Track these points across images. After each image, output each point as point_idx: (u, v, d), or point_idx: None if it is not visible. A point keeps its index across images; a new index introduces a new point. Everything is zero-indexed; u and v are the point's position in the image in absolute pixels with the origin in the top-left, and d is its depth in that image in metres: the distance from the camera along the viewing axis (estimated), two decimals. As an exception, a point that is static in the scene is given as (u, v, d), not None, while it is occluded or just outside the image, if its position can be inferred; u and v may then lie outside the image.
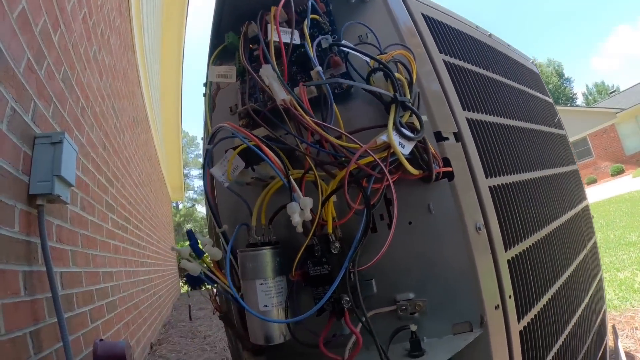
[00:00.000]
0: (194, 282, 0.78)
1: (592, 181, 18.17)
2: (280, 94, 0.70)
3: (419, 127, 0.72)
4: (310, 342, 0.72)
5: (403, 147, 0.67)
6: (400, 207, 0.72)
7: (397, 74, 0.75)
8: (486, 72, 1.16)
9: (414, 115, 0.73)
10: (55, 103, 1.51)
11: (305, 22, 0.83)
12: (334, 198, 0.70)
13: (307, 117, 0.68)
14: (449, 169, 0.75)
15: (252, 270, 0.72)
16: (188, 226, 30.56)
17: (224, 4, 0.96)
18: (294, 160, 0.76)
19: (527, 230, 0.98)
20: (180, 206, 31.67)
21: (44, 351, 1.18)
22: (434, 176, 0.72)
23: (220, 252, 0.75)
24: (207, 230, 1.14)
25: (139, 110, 4.50)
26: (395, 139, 0.66)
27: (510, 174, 0.99)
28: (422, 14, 1.00)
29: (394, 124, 0.68)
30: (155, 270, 4.63)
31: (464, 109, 0.91)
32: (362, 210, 0.68)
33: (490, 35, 1.41)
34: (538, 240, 1.03)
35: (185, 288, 10.89)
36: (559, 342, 1.06)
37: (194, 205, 33.84)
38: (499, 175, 0.93)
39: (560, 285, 1.12)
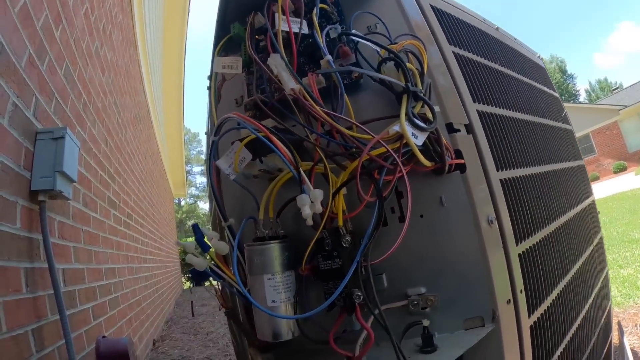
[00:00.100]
0: (199, 277, 0.77)
1: (595, 178, 18.12)
2: (290, 83, 0.68)
3: (431, 118, 0.70)
4: (319, 339, 0.71)
5: (416, 138, 0.65)
6: (408, 201, 0.71)
7: (408, 64, 0.73)
8: (494, 65, 1.15)
9: (425, 106, 0.71)
10: (57, 98, 1.50)
11: (315, 11, 0.81)
12: (344, 191, 0.69)
13: (317, 107, 0.67)
14: (461, 160, 0.74)
15: (259, 264, 0.70)
16: (190, 222, 30.62)
17: (229, -5, 0.94)
18: (301, 153, 0.74)
19: (537, 224, 0.97)
20: (183, 203, 31.75)
21: (46, 349, 1.17)
22: (446, 168, 0.70)
23: (227, 246, 0.73)
24: (209, 226, 1.13)
25: (141, 107, 4.49)
26: (408, 130, 0.65)
27: (521, 168, 0.98)
28: (431, 6, 0.98)
29: (406, 114, 0.66)
30: (158, 266, 4.63)
31: (474, 101, 0.89)
32: (373, 203, 0.67)
33: (497, 29, 1.40)
34: (547, 234, 1.02)
35: (188, 284, 10.91)
36: (567, 338, 1.05)
37: (196, 202, 33.93)
38: (510, 169, 0.91)
39: (569, 280, 1.11)
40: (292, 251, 0.73)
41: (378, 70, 0.77)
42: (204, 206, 33.74)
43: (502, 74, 1.17)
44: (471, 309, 0.72)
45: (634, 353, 1.98)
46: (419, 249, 0.73)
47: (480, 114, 0.89)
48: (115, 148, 2.67)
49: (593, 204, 1.65)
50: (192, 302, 5.17)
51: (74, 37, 1.81)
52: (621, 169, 18.47)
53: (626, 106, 18.82)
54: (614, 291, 2.96)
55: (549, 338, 0.93)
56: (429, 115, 0.71)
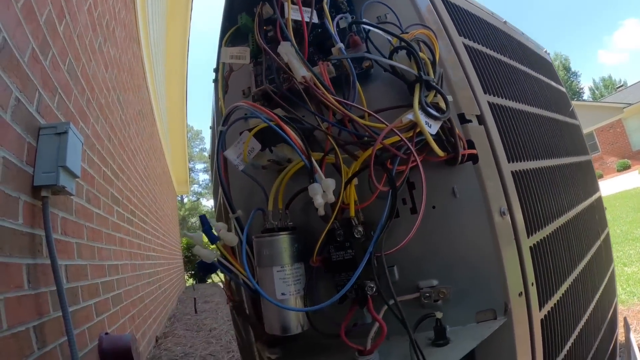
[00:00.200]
0: (206, 270, 0.76)
1: (598, 176, 18.00)
2: (301, 71, 0.67)
3: (444, 107, 0.69)
4: (329, 332, 0.70)
5: (430, 127, 0.64)
6: (423, 191, 0.70)
7: (420, 54, 0.72)
8: (503, 58, 1.14)
9: (438, 96, 0.70)
10: (60, 94, 1.49)
11: (325, 0, 0.80)
12: (355, 181, 0.68)
13: (329, 95, 0.66)
14: (474, 151, 0.73)
15: (268, 256, 0.69)
16: (193, 220, 30.71)
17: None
18: (311, 144, 0.73)
19: (547, 217, 0.96)
20: (185, 200, 31.80)
21: (48, 346, 1.16)
22: (459, 158, 0.69)
23: (236, 238, 0.72)
24: (213, 220, 1.12)
25: (144, 103, 4.48)
26: (422, 118, 0.64)
27: (531, 160, 0.96)
28: (440, -3, 0.97)
29: (420, 102, 0.65)
30: (161, 263, 4.63)
31: (485, 93, 0.88)
32: (385, 194, 0.66)
33: (505, 22, 1.38)
34: (557, 228, 1.01)
35: (191, 281, 10.91)
36: (576, 333, 1.04)
37: (198, 199, 33.99)
38: (520, 161, 0.90)
39: (577, 274, 1.10)
40: (302, 243, 0.72)
41: (390, 59, 0.76)
42: (207, 203, 33.86)
43: (511, 66, 1.16)
44: (483, 302, 0.71)
45: (641, 350, 1.97)
46: (431, 240, 0.72)
47: (491, 105, 0.88)
48: (118, 144, 2.66)
49: (600, 199, 1.64)
50: (194, 298, 5.17)
51: (77, 33, 1.81)
52: (625, 168, 18.41)
53: (630, 104, 18.75)
54: (618, 289, 2.94)
55: (558, 332, 0.92)
56: (442, 104, 0.70)
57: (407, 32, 0.78)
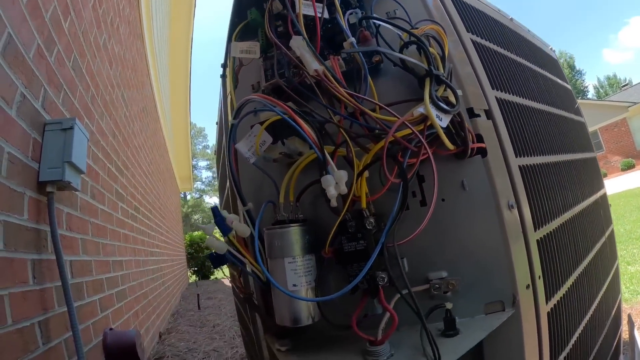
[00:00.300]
0: (218, 261, 0.76)
1: (603, 175, 17.99)
2: (313, 65, 0.68)
3: (454, 101, 0.70)
4: (340, 323, 0.71)
5: (440, 120, 0.65)
6: (434, 183, 0.70)
7: (430, 48, 0.73)
8: (510, 54, 1.14)
9: (448, 90, 0.71)
10: (65, 90, 1.50)
11: (337, -6, 0.81)
12: (366, 173, 0.69)
13: (341, 88, 0.66)
14: (483, 145, 0.74)
15: (280, 248, 0.70)
16: (195, 217, 30.76)
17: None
18: (323, 136, 0.74)
19: (554, 212, 0.97)
20: (188, 197, 31.88)
21: (52, 341, 1.16)
22: (469, 151, 0.70)
23: (249, 229, 0.73)
24: (225, 212, 1.12)
25: (148, 100, 4.49)
26: (433, 112, 0.64)
27: (538, 155, 0.97)
28: (448, -7, 0.98)
29: (430, 96, 0.66)
30: (164, 259, 4.65)
31: (493, 88, 0.89)
32: (396, 187, 0.66)
33: (511, 19, 1.39)
34: (563, 222, 1.02)
35: (194, 277, 10.93)
36: (581, 327, 1.05)
37: (201, 196, 34.05)
38: (528, 156, 0.91)
39: (583, 269, 1.11)
40: (312, 235, 0.73)
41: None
42: (210, 200, 33.91)
43: (518, 63, 1.17)
44: (491, 294, 0.72)
45: (646, 348, 1.97)
46: (441, 232, 0.73)
47: (499, 100, 0.88)
48: (122, 141, 2.67)
49: (604, 196, 1.64)
50: (198, 295, 5.19)
51: (82, 30, 1.81)
52: (629, 167, 18.34)
53: (635, 103, 18.67)
54: (621, 287, 2.95)
55: (564, 325, 0.93)
56: (452, 99, 0.71)
57: (416, 28, 0.79)
